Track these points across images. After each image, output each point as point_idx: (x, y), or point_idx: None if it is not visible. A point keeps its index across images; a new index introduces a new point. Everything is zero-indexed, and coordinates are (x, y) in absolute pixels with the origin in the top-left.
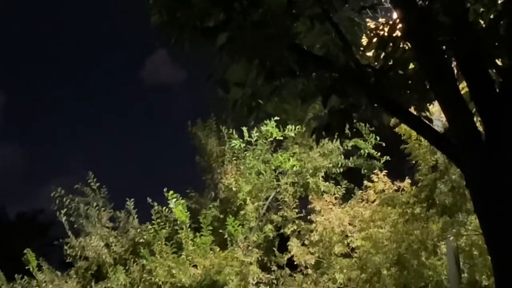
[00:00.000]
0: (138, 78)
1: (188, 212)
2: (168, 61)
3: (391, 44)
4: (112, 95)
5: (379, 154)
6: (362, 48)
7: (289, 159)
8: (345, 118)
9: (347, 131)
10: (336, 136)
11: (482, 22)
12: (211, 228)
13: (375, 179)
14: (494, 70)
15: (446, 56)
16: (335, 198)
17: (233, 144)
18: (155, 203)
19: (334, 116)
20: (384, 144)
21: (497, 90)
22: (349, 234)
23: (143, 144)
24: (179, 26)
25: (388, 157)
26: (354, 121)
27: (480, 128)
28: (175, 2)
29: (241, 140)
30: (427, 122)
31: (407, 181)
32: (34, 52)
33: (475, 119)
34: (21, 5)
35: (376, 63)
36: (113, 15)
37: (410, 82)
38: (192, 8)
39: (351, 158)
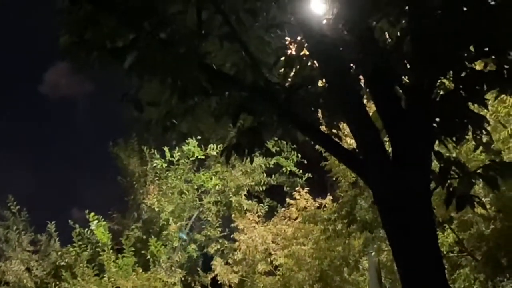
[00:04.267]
0: (40, 93)
1: (110, 234)
2: (71, 73)
3: (299, 63)
4: (15, 114)
5: (301, 171)
6: (271, 67)
7: (211, 178)
8: (255, 137)
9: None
10: (246, 156)
11: (387, 39)
12: (133, 249)
13: (297, 197)
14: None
15: (352, 74)
16: (258, 216)
17: (155, 164)
18: (77, 226)
19: (244, 135)
20: (305, 162)
21: (403, 107)
22: (272, 252)
23: (58, 164)
24: (88, 46)
25: (310, 174)
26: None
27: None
28: (83, 22)
29: (163, 160)
30: (336, 140)
31: (329, 197)
32: None
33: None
34: None
35: (285, 82)
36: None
37: (320, 99)
38: (101, 28)
39: (273, 176)
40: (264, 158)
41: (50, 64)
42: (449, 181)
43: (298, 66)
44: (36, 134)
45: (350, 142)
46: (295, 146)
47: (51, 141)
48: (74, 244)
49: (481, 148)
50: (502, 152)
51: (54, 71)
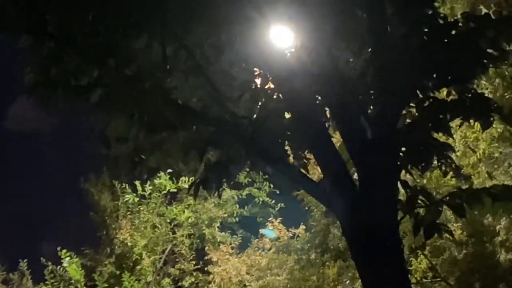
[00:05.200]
0: (4, 127)
1: (83, 270)
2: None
3: (264, 96)
4: None
5: (273, 201)
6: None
7: (184, 211)
8: (223, 172)
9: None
10: (214, 190)
11: (351, 69)
12: (106, 285)
13: (270, 227)
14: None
15: (317, 105)
16: (232, 248)
17: (126, 199)
18: (49, 263)
19: (212, 170)
20: (278, 192)
21: (369, 138)
22: (247, 284)
23: (27, 199)
24: (53, 84)
25: (282, 204)
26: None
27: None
28: (47, 61)
29: (134, 194)
30: (304, 171)
31: (302, 227)
32: None
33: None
34: None
35: (251, 115)
36: None
37: (286, 131)
38: (65, 66)
39: (246, 207)
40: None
41: (13, 99)
42: (416, 209)
43: (263, 99)
44: (2, 169)
45: (318, 174)
46: (267, 176)
47: (17, 176)
48: (46, 282)
49: (451, 173)
50: (472, 177)
51: (18, 105)
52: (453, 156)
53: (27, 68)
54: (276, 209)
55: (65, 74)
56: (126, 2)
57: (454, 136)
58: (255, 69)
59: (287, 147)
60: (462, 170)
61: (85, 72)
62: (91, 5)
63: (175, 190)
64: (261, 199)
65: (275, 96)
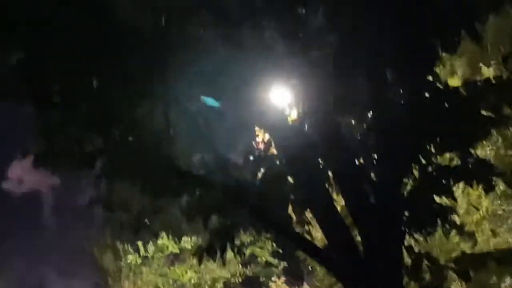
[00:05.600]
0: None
1: None
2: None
3: (268, 161)
4: None
5: (277, 260)
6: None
7: (186, 272)
8: (227, 238)
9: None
10: (218, 257)
11: (354, 134)
12: None
13: (274, 286)
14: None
15: (320, 170)
16: None
17: (129, 260)
18: None
19: (216, 237)
20: (280, 251)
21: (372, 202)
22: None
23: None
24: (57, 154)
25: (285, 263)
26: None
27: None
28: (52, 129)
29: (137, 255)
30: (307, 236)
31: (306, 286)
32: None
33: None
34: None
35: (255, 180)
36: None
37: (290, 196)
38: (68, 135)
39: (249, 267)
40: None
41: (12, 160)
42: (421, 274)
43: (266, 164)
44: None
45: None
46: (269, 236)
47: (17, 238)
48: None
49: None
50: (475, 234)
51: (17, 166)
52: (456, 213)
53: (30, 135)
54: (280, 268)
55: (68, 143)
56: (129, 70)
57: (457, 193)
58: (257, 134)
59: (290, 212)
60: (466, 228)
61: (89, 141)
62: (94, 74)
63: (178, 251)
64: (264, 258)
65: (278, 162)
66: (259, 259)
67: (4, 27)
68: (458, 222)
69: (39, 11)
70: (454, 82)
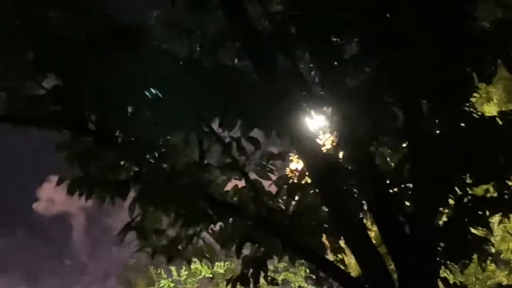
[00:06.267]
0: (34, 211)
1: None
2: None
3: (301, 191)
4: (9, 232)
5: (309, 286)
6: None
7: None
8: (260, 267)
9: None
10: (251, 286)
11: (388, 164)
12: None
13: None
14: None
15: (354, 200)
16: None
17: (162, 284)
18: None
19: (249, 266)
20: (314, 277)
21: (407, 232)
22: None
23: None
24: (91, 180)
25: None
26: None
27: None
28: (87, 157)
29: (170, 279)
30: (341, 266)
31: None
32: None
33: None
34: None
35: (288, 209)
36: None
37: (323, 225)
38: (103, 162)
39: None
40: None
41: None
42: None
43: (300, 194)
44: (32, 253)
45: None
46: (302, 261)
47: (47, 259)
48: None
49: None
50: (511, 262)
51: (48, 187)
52: (492, 243)
53: (63, 161)
54: None
55: (102, 170)
56: (163, 98)
57: (493, 219)
58: (291, 164)
59: (324, 241)
60: (502, 255)
61: (124, 168)
62: (129, 101)
63: (211, 276)
64: (297, 284)
65: (312, 191)
66: (292, 284)
67: (41, 51)
68: (493, 250)
69: (76, 36)
70: (490, 109)
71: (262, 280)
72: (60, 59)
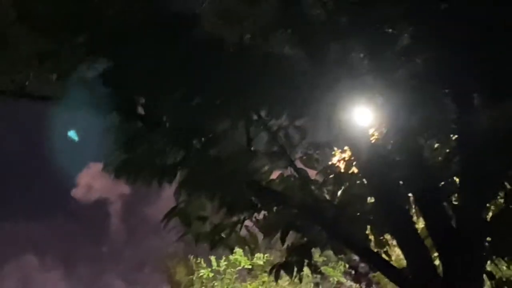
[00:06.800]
0: (73, 197)
1: None
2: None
3: (348, 180)
4: (48, 217)
5: (348, 281)
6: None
7: None
8: (304, 255)
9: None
10: (295, 274)
11: (436, 157)
12: None
13: None
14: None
15: (401, 192)
16: None
17: (201, 274)
18: None
19: (293, 253)
20: (353, 272)
21: (454, 226)
22: None
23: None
24: (138, 164)
25: (358, 285)
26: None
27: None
28: (135, 141)
29: (209, 269)
30: (385, 257)
31: None
32: None
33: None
34: None
35: (334, 199)
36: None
37: (369, 216)
38: (151, 146)
39: (320, 286)
40: None
41: (83, 166)
42: None
43: (347, 184)
44: (70, 239)
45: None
46: (342, 256)
47: (84, 245)
48: None
49: None
50: None
51: (87, 173)
52: None
53: (111, 146)
54: None
55: (150, 154)
56: (212, 84)
57: None
58: (338, 152)
59: (368, 232)
60: None
61: (171, 153)
62: (178, 87)
63: (250, 267)
64: (336, 279)
65: (358, 182)
66: (331, 279)
67: (94, 35)
68: None
69: (128, 21)
70: None
71: (305, 270)
72: (112, 43)
